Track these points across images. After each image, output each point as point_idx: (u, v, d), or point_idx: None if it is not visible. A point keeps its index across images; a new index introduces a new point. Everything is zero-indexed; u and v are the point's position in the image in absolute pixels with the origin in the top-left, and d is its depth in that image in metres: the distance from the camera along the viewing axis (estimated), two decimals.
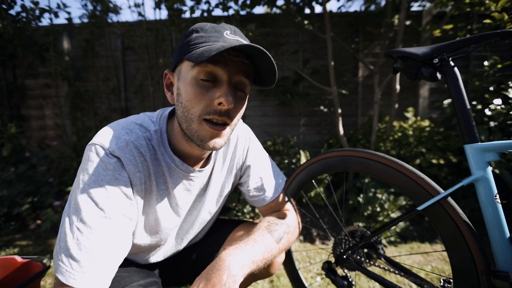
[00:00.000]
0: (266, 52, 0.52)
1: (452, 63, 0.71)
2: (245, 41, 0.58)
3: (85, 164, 0.55)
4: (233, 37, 0.57)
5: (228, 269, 0.53)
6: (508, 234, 0.63)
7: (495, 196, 0.65)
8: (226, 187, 0.81)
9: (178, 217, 0.74)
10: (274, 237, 0.68)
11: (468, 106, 0.69)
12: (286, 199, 0.85)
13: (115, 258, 0.53)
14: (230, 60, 0.55)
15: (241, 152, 0.80)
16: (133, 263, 0.81)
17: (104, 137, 0.57)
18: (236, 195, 2.22)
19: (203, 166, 0.73)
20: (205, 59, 0.48)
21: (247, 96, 0.62)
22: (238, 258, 0.56)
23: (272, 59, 0.53)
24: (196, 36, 0.56)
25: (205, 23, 0.59)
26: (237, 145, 0.79)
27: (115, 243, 0.53)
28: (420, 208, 0.72)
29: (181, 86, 0.58)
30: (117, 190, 0.55)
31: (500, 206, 0.64)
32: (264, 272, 0.84)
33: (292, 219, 0.79)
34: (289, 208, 0.84)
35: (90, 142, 0.57)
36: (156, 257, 0.80)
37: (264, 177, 0.82)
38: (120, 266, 0.65)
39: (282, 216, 0.78)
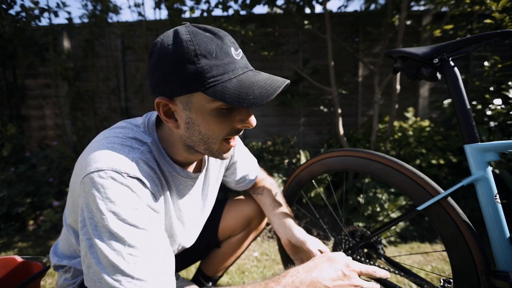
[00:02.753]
0: (282, 87, 0.54)
1: (452, 63, 0.71)
2: (240, 49, 0.57)
3: (102, 193, 0.50)
4: (238, 54, 0.56)
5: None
6: (508, 234, 0.63)
7: (495, 196, 0.65)
8: (219, 180, 0.90)
9: (180, 222, 0.75)
10: (282, 199, 0.95)
11: (468, 106, 0.69)
12: (259, 169, 1.04)
13: (171, 266, 0.55)
14: None
15: None
16: None
17: (109, 160, 0.53)
18: (235, 195, 2.22)
19: (198, 168, 0.78)
20: (246, 106, 0.50)
21: None
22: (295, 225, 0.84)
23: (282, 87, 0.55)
24: (208, 64, 0.51)
25: (206, 40, 0.52)
26: None
27: (166, 254, 0.54)
28: (420, 208, 0.72)
29: (195, 116, 0.55)
30: (147, 209, 0.54)
31: (500, 206, 0.64)
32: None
33: (272, 179, 1.05)
34: (264, 175, 1.05)
35: (94, 169, 0.51)
36: None
37: (248, 165, 0.97)
38: None
39: (271, 181, 1.02)
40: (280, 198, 0.94)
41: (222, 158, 0.63)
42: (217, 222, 1.01)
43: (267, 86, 0.52)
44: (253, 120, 0.58)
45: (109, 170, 0.51)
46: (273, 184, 1.01)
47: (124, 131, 0.62)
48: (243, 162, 0.94)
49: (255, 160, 1.02)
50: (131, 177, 0.53)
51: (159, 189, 0.62)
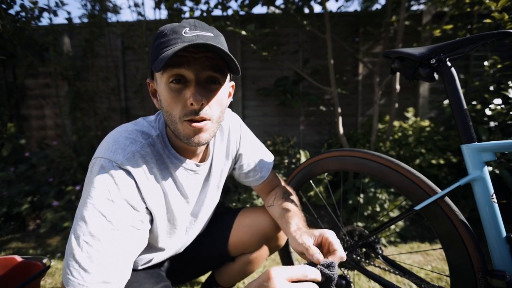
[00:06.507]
0: (213, 44, 0.52)
1: (449, 64, 0.71)
2: (207, 33, 0.57)
3: (91, 178, 0.55)
4: (192, 33, 0.56)
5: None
6: (504, 234, 0.64)
7: (492, 195, 0.65)
8: (224, 172, 0.87)
9: (188, 204, 0.76)
10: (292, 205, 0.83)
11: (465, 107, 0.69)
12: (274, 173, 0.95)
13: (126, 266, 0.55)
14: (192, 58, 0.55)
15: (235, 141, 0.86)
16: (140, 271, 0.81)
17: (108, 149, 0.58)
18: (236, 195, 2.22)
19: (204, 158, 0.78)
20: (160, 69, 0.51)
21: (223, 85, 0.61)
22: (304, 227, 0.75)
23: (222, 47, 0.53)
24: (158, 43, 0.57)
25: (166, 25, 0.58)
26: (230, 134, 0.84)
27: (124, 252, 0.54)
28: (417, 207, 0.72)
29: (159, 92, 0.60)
30: (125, 204, 0.56)
31: (496, 206, 0.65)
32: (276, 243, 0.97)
33: (285, 187, 0.94)
34: (278, 182, 0.96)
35: (95, 156, 0.58)
36: (167, 254, 0.83)
37: (257, 160, 0.90)
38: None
39: (283, 190, 0.90)
40: (290, 205, 0.83)
41: (190, 143, 0.60)
42: (227, 233, 0.93)
43: (187, 42, 0.52)
44: (194, 97, 0.55)
45: (102, 158, 0.56)
46: (286, 193, 0.89)
47: (135, 125, 0.67)
48: (253, 155, 0.88)
49: (270, 157, 0.93)
50: (120, 167, 0.56)
51: (152, 183, 0.63)
